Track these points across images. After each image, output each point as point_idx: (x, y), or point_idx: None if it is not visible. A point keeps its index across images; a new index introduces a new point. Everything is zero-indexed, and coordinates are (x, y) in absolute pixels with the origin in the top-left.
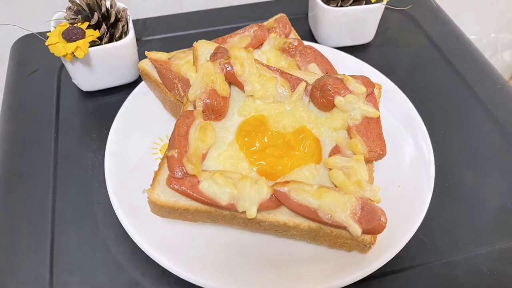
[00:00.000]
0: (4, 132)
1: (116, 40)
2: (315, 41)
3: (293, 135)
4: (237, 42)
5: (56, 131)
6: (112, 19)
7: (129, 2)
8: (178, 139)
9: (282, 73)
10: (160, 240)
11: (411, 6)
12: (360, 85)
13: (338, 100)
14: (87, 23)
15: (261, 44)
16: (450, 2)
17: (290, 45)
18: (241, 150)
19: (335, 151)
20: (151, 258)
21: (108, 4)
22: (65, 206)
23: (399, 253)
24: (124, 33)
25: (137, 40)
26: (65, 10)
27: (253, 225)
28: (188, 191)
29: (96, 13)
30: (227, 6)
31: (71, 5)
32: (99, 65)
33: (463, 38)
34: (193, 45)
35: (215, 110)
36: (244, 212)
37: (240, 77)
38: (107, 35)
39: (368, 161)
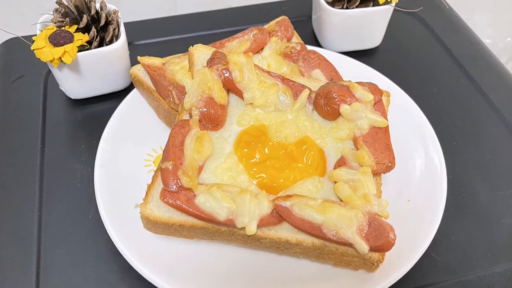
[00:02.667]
0: None
1: (107, 45)
2: (319, 45)
3: (295, 146)
4: (236, 47)
5: (42, 141)
6: (102, 22)
7: (120, 4)
8: (172, 150)
9: (284, 79)
10: (153, 258)
11: (421, 8)
12: (367, 92)
13: (344, 108)
14: (75, 26)
15: (262, 49)
16: (463, 4)
17: (293, 50)
18: (240, 162)
19: (341, 163)
20: (143, 277)
21: (98, 6)
22: (52, 221)
23: (409, 272)
24: (115, 37)
25: (129, 44)
26: (52, 12)
27: (253, 242)
28: (184, 205)
29: (85, 15)
30: (225, 8)
31: (58, 7)
32: (88, 71)
33: (477, 42)
34: (189, 49)
35: (212, 119)
36: (243, 228)
37: (239, 84)
38: (97, 39)
39: (376, 173)
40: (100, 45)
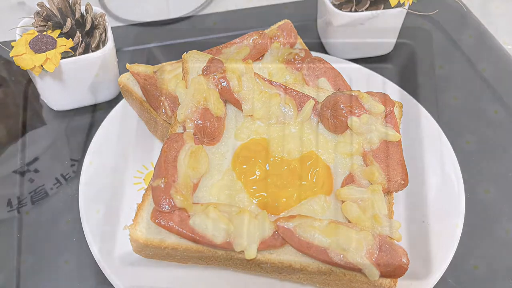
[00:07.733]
0: None
1: (93, 51)
2: (325, 51)
3: (299, 162)
4: (234, 53)
5: (22, 157)
6: (88, 26)
7: (107, 7)
8: (165, 167)
9: (286, 89)
10: (143, 284)
11: (437, 11)
12: (377, 103)
13: (352, 120)
14: (58, 31)
15: (262, 56)
16: (483, 7)
17: (296, 57)
18: (239, 179)
19: (349, 180)
20: None
21: (83, 9)
22: (32, 245)
23: None
24: (102, 42)
25: (117, 50)
26: (33, 16)
27: (252, 267)
28: (177, 227)
29: (69, 19)
30: (223, 11)
31: (39, 9)
32: (72, 80)
33: (499, 49)
34: (183, 56)
35: (208, 133)
36: (242, 252)
37: (238, 94)
38: (82, 45)
39: (387, 192)
40: (86, 51)
